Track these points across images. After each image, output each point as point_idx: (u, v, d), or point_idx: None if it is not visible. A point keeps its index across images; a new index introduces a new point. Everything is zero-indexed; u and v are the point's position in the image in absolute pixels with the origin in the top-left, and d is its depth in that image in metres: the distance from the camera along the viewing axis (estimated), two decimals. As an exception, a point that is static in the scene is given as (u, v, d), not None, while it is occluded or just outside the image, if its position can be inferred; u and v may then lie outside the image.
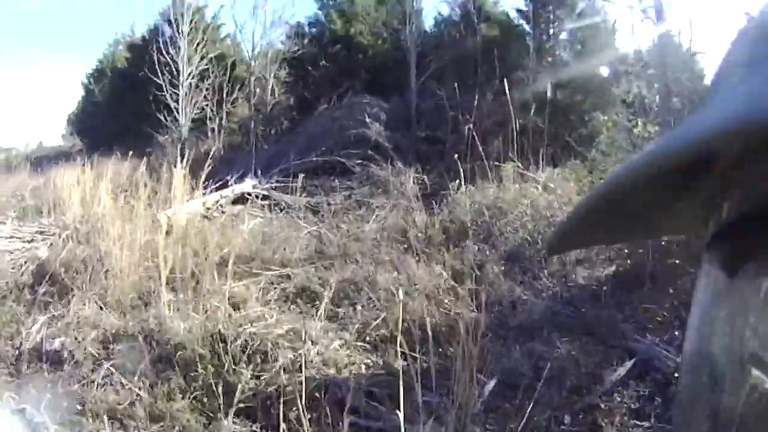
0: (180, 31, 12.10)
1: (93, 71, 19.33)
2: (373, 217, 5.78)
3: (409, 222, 5.36)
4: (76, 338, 3.42)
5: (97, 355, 3.27)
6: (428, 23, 13.73)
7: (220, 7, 14.98)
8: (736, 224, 0.22)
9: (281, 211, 6.63)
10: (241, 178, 7.55)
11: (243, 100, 12.33)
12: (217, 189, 6.94)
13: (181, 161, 6.57)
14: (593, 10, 12.41)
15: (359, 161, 7.64)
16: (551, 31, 12.34)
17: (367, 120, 8.21)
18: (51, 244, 4.87)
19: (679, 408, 0.27)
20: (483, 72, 11.34)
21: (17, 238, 5.07)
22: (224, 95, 11.74)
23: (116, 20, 49.84)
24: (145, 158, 12.39)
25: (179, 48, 11.92)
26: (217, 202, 6.60)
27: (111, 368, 3.05)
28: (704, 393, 0.23)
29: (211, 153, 7.22)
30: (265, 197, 7.08)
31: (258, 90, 11.28)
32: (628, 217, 0.27)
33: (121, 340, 3.35)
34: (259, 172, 7.69)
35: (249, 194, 7.01)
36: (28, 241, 5.01)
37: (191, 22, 12.37)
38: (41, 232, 5.20)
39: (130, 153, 11.95)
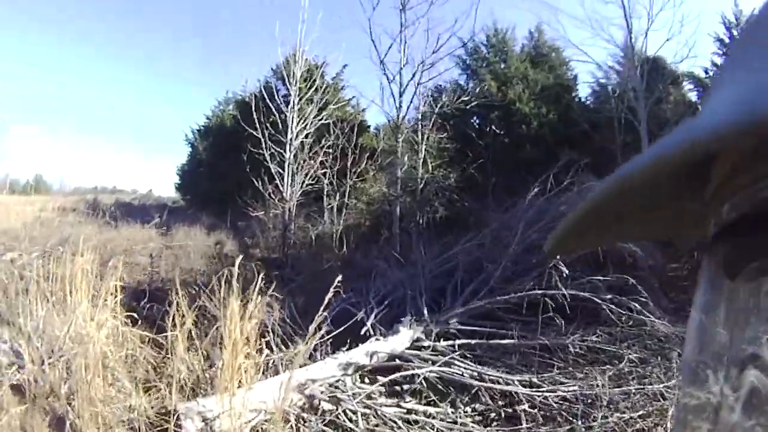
0: (291, 81, 9.59)
1: (199, 128, 18.03)
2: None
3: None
4: None
5: None
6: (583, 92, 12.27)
7: (342, 66, 12.88)
8: (737, 225, 0.22)
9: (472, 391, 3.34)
10: (389, 326, 4.19)
11: (378, 172, 9.33)
12: (331, 338, 3.66)
13: (281, 252, 3.55)
14: None
15: (609, 296, 4.28)
16: None
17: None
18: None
19: (680, 408, 0.26)
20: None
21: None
22: (348, 164, 8.82)
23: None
24: (230, 239, 9.97)
25: (289, 103, 9.38)
26: (337, 381, 3.26)
27: None
28: (705, 393, 0.23)
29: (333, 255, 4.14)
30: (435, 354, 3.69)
31: (406, 159, 8.06)
32: (630, 217, 0.27)
33: None
34: (422, 303, 4.30)
35: (411, 363, 3.61)
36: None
37: (308, 80, 10.00)
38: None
39: (216, 226, 9.43)
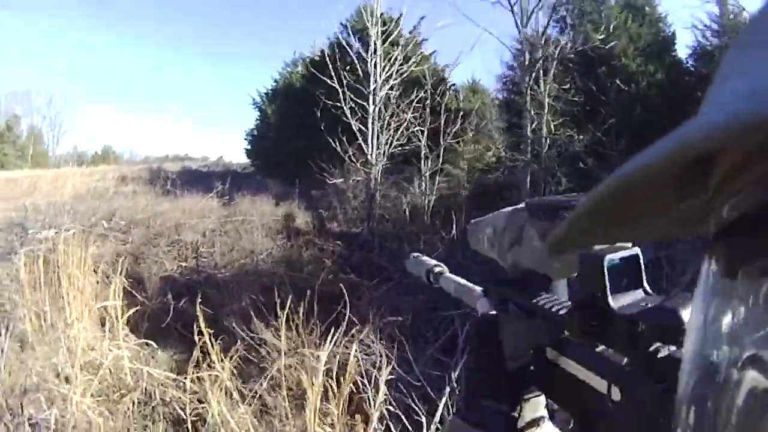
0: (371, 22, 8.02)
1: (267, 91, 16.94)
2: None
3: None
4: None
5: None
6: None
7: (419, 18, 11.17)
8: (737, 224, 0.22)
9: None
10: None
11: (481, 131, 7.63)
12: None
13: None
14: None
15: None
16: None
17: None
18: None
19: (678, 410, 0.25)
20: None
21: None
22: (441, 123, 7.15)
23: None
24: (302, 210, 8.63)
25: (370, 53, 7.83)
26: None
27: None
28: (704, 394, 0.22)
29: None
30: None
31: (533, 112, 6.23)
32: (631, 216, 0.26)
33: None
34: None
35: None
36: None
37: (384, 32, 8.37)
38: None
39: (285, 195, 8.14)
